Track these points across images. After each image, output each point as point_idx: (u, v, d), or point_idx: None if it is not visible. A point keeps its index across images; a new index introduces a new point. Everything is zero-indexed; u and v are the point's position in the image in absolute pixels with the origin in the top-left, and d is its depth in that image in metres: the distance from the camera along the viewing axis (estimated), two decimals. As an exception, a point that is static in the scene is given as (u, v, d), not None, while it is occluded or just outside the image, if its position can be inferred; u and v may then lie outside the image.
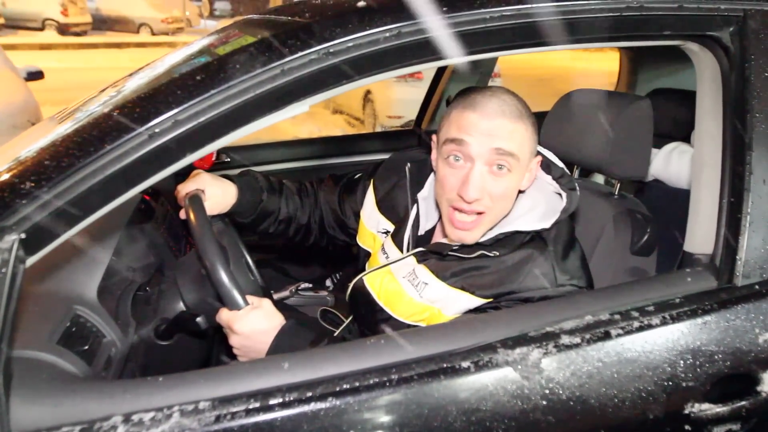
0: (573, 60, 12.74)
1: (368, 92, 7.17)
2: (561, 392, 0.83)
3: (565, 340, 0.85)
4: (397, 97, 6.46)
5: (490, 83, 6.58)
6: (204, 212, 1.09)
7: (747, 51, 1.00)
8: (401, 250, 1.22)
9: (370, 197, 1.35)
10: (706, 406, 0.90)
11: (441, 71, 2.31)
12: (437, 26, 0.83)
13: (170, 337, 1.09)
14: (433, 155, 1.18)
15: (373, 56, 0.82)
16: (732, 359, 0.91)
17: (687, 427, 0.89)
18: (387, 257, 1.25)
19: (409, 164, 1.30)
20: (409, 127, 2.80)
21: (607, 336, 0.87)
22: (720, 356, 0.91)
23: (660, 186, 1.64)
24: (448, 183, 1.09)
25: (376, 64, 0.83)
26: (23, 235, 0.69)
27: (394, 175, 1.33)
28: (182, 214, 1.15)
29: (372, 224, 1.33)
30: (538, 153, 1.16)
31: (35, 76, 4.77)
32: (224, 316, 1.00)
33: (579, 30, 0.95)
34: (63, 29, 18.27)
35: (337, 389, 0.76)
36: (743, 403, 0.92)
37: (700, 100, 1.07)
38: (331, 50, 0.80)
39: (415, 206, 1.24)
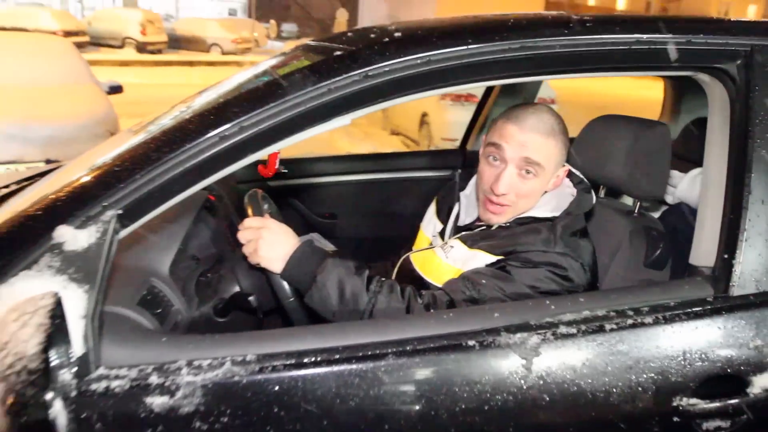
0: (638, 89, 12.57)
1: (425, 114, 7.34)
2: (555, 375, 0.94)
3: (563, 329, 0.97)
4: (452, 119, 6.57)
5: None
6: (260, 207, 1.27)
7: (752, 82, 1.09)
8: (443, 239, 1.45)
9: (431, 210, 1.58)
10: (694, 401, 0.99)
11: (487, 95, 2.45)
12: (461, 56, 0.98)
13: (226, 315, 1.26)
14: (480, 152, 1.39)
15: (404, 79, 0.97)
16: (722, 361, 1.00)
17: (675, 419, 0.98)
18: (431, 245, 1.47)
19: (459, 170, 1.55)
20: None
21: (601, 329, 0.98)
22: (710, 357, 1.00)
23: (686, 207, 1.71)
24: (485, 177, 1.33)
25: (407, 86, 0.99)
26: (120, 212, 0.88)
27: (451, 190, 1.58)
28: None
29: (429, 230, 1.54)
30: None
31: (116, 90, 5.19)
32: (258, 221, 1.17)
33: (592, 61, 1.08)
34: (141, 47, 19.42)
35: (360, 354, 0.91)
36: (731, 402, 1.00)
37: (711, 126, 1.17)
38: (370, 73, 0.96)
39: (457, 204, 1.47)
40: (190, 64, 18.09)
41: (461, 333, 0.95)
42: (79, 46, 10.58)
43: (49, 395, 0.69)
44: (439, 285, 1.30)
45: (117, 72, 12.77)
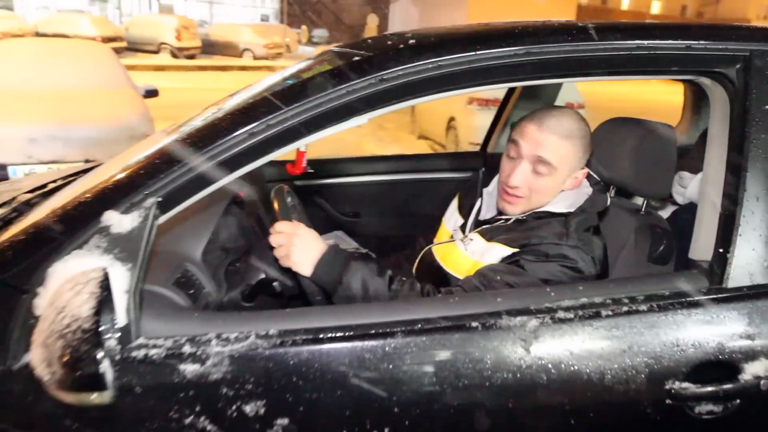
0: (668, 93, 12.39)
1: (452, 119, 7.41)
2: (553, 356, 1.02)
3: (561, 314, 1.04)
4: (479, 124, 6.60)
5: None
6: (286, 202, 1.37)
7: (750, 86, 1.15)
8: (464, 233, 1.53)
9: (453, 205, 1.67)
10: (686, 385, 1.05)
11: (507, 98, 2.52)
12: (468, 60, 1.07)
13: (252, 300, 1.36)
14: None
15: (416, 83, 1.06)
16: (715, 348, 1.06)
17: (668, 401, 1.05)
18: (452, 238, 1.55)
19: (482, 170, 1.61)
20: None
21: (597, 315, 1.05)
22: (702, 345, 1.06)
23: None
24: (503, 170, 1.43)
25: (419, 89, 1.07)
26: (159, 199, 0.99)
27: (473, 188, 1.66)
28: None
29: (450, 225, 1.62)
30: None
31: (152, 94, 5.38)
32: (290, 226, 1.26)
33: (594, 65, 1.16)
34: (176, 52, 19.87)
35: (372, 332, 1.00)
36: (723, 387, 1.06)
37: (711, 127, 1.23)
38: (385, 77, 1.05)
39: (479, 200, 1.56)
40: (223, 68, 18.44)
41: (465, 315, 1.03)
42: (117, 51, 10.91)
43: (99, 353, 0.80)
44: (458, 275, 1.39)
45: (152, 76, 13.09)
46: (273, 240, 1.26)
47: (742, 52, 1.17)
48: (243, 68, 18.87)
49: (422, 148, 8.41)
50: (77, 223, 0.98)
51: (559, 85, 2.31)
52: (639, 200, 1.87)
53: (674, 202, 1.81)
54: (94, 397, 0.82)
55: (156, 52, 19.99)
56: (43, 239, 0.98)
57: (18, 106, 4.24)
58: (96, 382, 0.80)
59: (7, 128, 3.94)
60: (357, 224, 2.41)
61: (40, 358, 0.81)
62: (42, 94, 4.49)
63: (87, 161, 3.84)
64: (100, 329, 0.81)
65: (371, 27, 30.50)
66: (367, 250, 2.13)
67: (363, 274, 1.23)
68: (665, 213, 1.79)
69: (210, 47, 22.20)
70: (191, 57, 20.08)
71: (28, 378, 0.91)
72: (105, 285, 0.86)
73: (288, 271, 1.31)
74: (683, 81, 2.35)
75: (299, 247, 1.24)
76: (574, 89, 7.49)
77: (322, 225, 2.36)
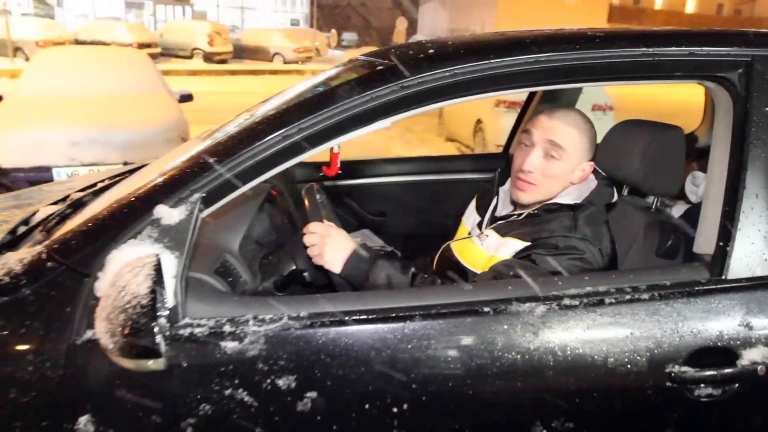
0: (698, 95, 12.19)
1: (479, 121, 7.47)
2: (559, 339, 1.10)
3: (567, 301, 1.13)
4: (506, 126, 6.62)
5: (602, 115, 6.61)
6: (316, 199, 1.49)
7: (751, 89, 1.22)
8: (480, 230, 1.62)
9: (472, 204, 1.77)
10: (686, 368, 1.12)
11: (529, 102, 2.59)
12: (483, 69, 1.16)
13: (285, 289, 1.48)
14: None
15: (434, 89, 1.16)
16: (714, 335, 1.14)
17: (668, 383, 1.13)
18: (470, 235, 1.65)
19: (498, 170, 1.74)
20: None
21: (601, 303, 1.13)
22: (702, 331, 1.13)
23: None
24: (516, 159, 1.53)
25: (437, 95, 1.18)
26: (204, 195, 1.11)
27: (490, 187, 1.76)
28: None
29: (469, 223, 1.72)
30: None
31: (186, 98, 5.57)
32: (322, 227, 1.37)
33: (602, 71, 1.24)
34: (208, 57, 20.30)
35: (393, 316, 1.10)
36: (722, 371, 1.13)
37: (716, 129, 1.30)
38: (405, 84, 1.15)
39: (495, 197, 1.66)
40: (254, 72, 18.80)
41: (478, 301, 1.13)
42: (152, 56, 11.33)
43: (155, 326, 0.92)
44: (475, 269, 1.49)
45: (185, 81, 13.45)
46: (307, 240, 1.38)
47: (744, 57, 1.24)
48: (273, 72, 19.21)
49: (449, 150, 8.49)
50: (132, 216, 1.10)
51: (579, 89, 2.37)
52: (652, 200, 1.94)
53: (688, 201, 1.87)
54: (151, 364, 0.94)
55: (189, 57, 20.49)
56: (102, 230, 1.11)
57: (62, 111, 4.48)
58: (152, 351, 0.92)
59: (52, 132, 4.17)
60: (383, 223, 2.51)
61: (104, 330, 0.94)
62: (84, 100, 4.73)
63: (125, 163, 4.03)
64: (156, 305, 0.93)
65: (400, 30, 30.65)
66: (392, 248, 2.23)
67: (388, 272, 1.34)
68: (679, 211, 1.86)
69: (241, 52, 22.63)
70: (223, 62, 20.51)
71: (91, 351, 1.04)
72: (158, 269, 0.98)
73: (317, 265, 1.43)
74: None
75: (331, 246, 1.36)
76: (602, 91, 7.50)
77: (349, 224, 2.47)
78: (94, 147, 4.19)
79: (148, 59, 5.91)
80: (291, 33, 24.53)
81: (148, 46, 18.62)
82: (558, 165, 1.47)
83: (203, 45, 20.35)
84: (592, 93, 7.33)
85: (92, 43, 17.05)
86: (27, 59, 16.23)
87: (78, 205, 1.61)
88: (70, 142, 4.13)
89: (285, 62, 21.84)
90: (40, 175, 3.98)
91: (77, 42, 18.46)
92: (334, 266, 1.35)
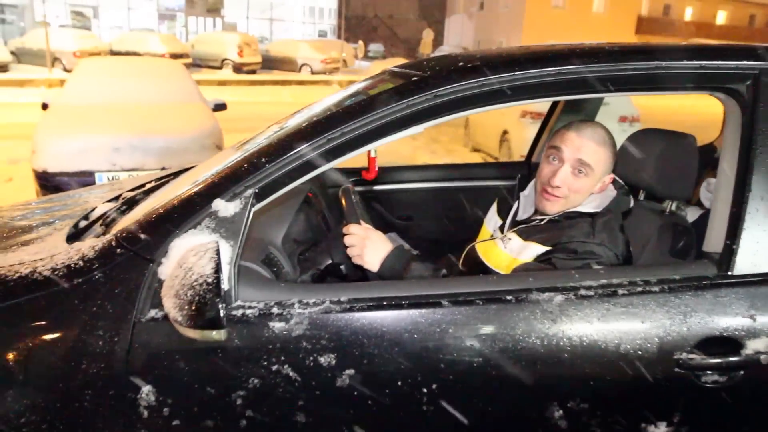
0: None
1: (505, 132, 7.56)
2: (575, 326, 1.21)
3: (583, 292, 1.23)
4: (531, 137, 6.70)
5: (628, 127, 6.66)
6: (352, 199, 1.61)
7: (758, 100, 1.32)
8: (502, 233, 1.73)
9: (493, 208, 1.88)
10: (693, 356, 1.22)
11: (551, 112, 2.69)
12: (509, 80, 1.28)
13: (322, 281, 1.61)
14: (542, 156, 1.68)
15: (464, 98, 1.29)
16: (720, 326, 1.23)
17: (676, 369, 1.22)
18: (492, 237, 1.76)
19: (519, 176, 1.86)
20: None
21: (614, 294, 1.23)
22: (709, 322, 1.23)
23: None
24: (543, 173, 1.61)
25: (466, 103, 1.30)
26: (256, 190, 1.24)
27: (511, 192, 1.89)
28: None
29: (491, 225, 1.83)
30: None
31: (220, 107, 5.79)
32: (362, 230, 1.49)
33: (618, 83, 1.35)
34: (237, 68, 20.71)
35: (424, 302, 1.22)
36: (727, 359, 1.22)
37: (725, 136, 1.40)
38: (438, 93, 1.28)
39: (516, 202, 1.76)
40: (282, 83, 19.14)
41: (501, 290, 1.24)
42: (185, 67, 11.68)
43: (219, 301, 1.05)
44: (498, 270, 1.59)
45: (215, 91, 13.75)
46: (348, 240, 1.50)
47: (752, 70, 1.33)
48: (301, 83, 19.51)
49: (475, 160, 8.58)
50: (193, 209, 1.24)
51: (600, 99, 2.47)
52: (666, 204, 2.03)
53: (703, 207, 1.96)
54: (214, 334, 1.08)
55: (219, 67, 20.96)
56: (165, 221, 1.25)
57: (104, 118, 4.72)
58: (216, 323, 1.06)
59: (95, 138, 4.40)
60: (409, 227, 2.62)
61: (173, 305, 1.07)
62: (125, 108, 4.97)
63: (163, 168, 4.22)
64: (220, 283, 1.07)
65: (427, 42, 30.86)
66: (418, 252, 2.35)
67: (421, 273, 1.46)
68: (693, 216, 1.94)
69: (270, 62, 23.03)
70: (252, 72, 20.91)
71: (154, 328, 1.18)
72: (218, 253, 1.11)
73: (351, 261, 1.55)
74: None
75: (369, 248, 1.48)
76: (629, 103, 7.53)
77: (377, 227, 2.59)
78: (134, 153, 4.41)
79: (185, 70, 6.16)
80: (318, 44, 24.89)
81: (180, 56, 19.10)
82: (585, 180, 1.56)
83: (233, 56, 20.81)
84: (619, 105, 7.38)
85: (126, 53, 17.60)
86: (64, 69, 16.85)
87: (131, 203, 1.77)
88: (112, 148, 4.35)
89: (312, 73, 22.17)
90: (83, 179, 4.20)
91: (112, 52, 19.06)
92: (372, 266, 1.47)
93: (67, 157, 4.27)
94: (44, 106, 5.30)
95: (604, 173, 1.59)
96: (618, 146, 1.65)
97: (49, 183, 4.20)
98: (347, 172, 2.53)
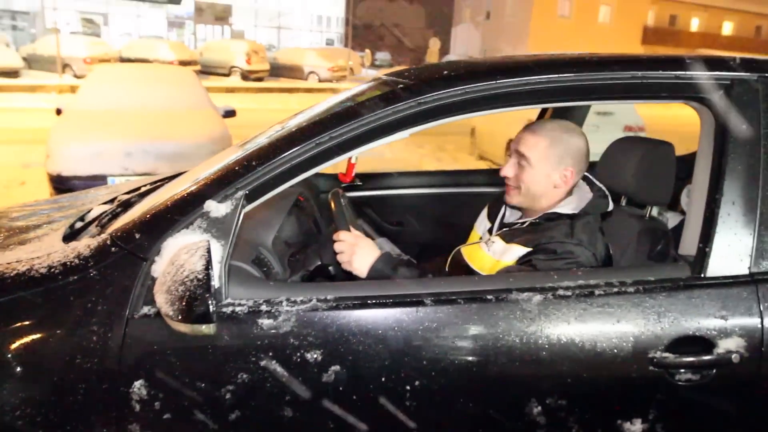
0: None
1: (511, 140, 7.60)
2: (553, 325, 1.25)
3: (561, 292, 1.28)
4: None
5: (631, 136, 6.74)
6: (341, 203, 1.67)
7: (730, 109, 1.36)
8: (490, 235, 1.78)
9: (484, 212, 1.94)
10: (667, 354, 1.26)
11: (540, 119, 2.73)
12: (490, 88, 1.34)
13: (311, 282, 1.66)
14: None
15: (447, 106, 1.34)
16: (692, 325, 1.27)
17: (651, 367, 1.26)
18: (480, 239, 1.81)
19: None
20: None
21: (591, 294, 1.28)
22: (682, 321, 1.27)
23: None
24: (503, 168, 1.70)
25: (449, 111, 1.35)
26: (247, 192, 1.30)
27: (500, 197, 1.90)
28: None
29: (481, 228, 1.89)
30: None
31: (230, 114, 5.89)
32: (351, 236, 1.54)
33: (597, 92, 1.40)
34: (245, 75, 20.85)
35: (407, 300, 1.27)
36: (700, 358, 1.27)
37: (700, 144, 1.45)
38: (421, 100, 1.33)
39: (504, 205, 1.82)
40: (289, 90, 19.26)
41: (483, 290, 1.29)
42: (193, 74, 11.82)
43: (209, 297, 1.11)
44: (482, 272, 1.64)
45: (224, 97, 13.87)
46: (337, 247, 1.55)
47: (725, 80, 1.38)
48: (308, 90, 19.62)
49: (480, 168, 8.63)
50: (185, 209, 1.30)
51: (587, 106, 2.51)
52: (655, 211, 2.07)
53: (683, 213, 2.00)
54: (204, 329, 1.13)
55: (227, 75, 21.11)
56: (159, 220, 1.31)
57: (117, 124, 4.80)
58: (206, 317, 1.11)
59: (108, 143, 4.48)
60: (400, 233, 2.66)
61: (165, 301, 1.13)
62: (137, 114, 5.06)
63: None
64: (210, 279, 1.12)
65: (433, 50, 31.00)
66: (408, 257, 2.39)
67: (407, 278, 1.51)
68: (674, 221, 1.99)
69: (277, 70, 23.17)
70: (260, 79, 21.03)
71: (146, 324, 1.23)
72: (209, 251, 1.17)
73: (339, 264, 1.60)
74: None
75: (358, 254, 1.52)
76: (633, 112, 7.58)
77: (368, 232, 2.63)
78: (146, 158, 4.48)
79: (195, 77, 6.25)
80: (326, 52, 25.07)
81: (189, 63, 19.29)
82: (529, 172, 1.63)
83: (241, 63, 20.96)
84: (624, 115, 7.43)
85: (136, 60, 17.79)
86: (75, 75, 17.05)
87: (126, 205, 1.83)
88: (124, 153, 4.42)
89: (320, 80, 22.30)
90: (96, 183, 4.22)
91: (122, 59, 19.27)
92: (361, 272, 1.52)
93: (80, 161, 4.34)
94: (58, 112, 5.40)
95: (554, 165, 1.62)
96: None
97: (63, 186, 4.26)
98: (336, 178, 2.57)
